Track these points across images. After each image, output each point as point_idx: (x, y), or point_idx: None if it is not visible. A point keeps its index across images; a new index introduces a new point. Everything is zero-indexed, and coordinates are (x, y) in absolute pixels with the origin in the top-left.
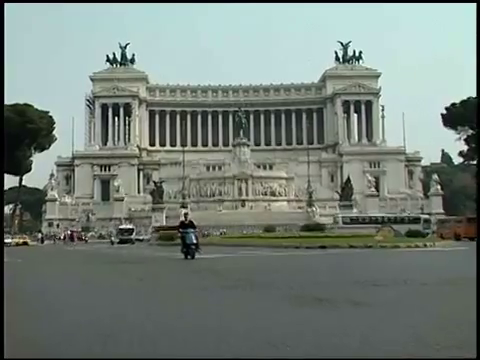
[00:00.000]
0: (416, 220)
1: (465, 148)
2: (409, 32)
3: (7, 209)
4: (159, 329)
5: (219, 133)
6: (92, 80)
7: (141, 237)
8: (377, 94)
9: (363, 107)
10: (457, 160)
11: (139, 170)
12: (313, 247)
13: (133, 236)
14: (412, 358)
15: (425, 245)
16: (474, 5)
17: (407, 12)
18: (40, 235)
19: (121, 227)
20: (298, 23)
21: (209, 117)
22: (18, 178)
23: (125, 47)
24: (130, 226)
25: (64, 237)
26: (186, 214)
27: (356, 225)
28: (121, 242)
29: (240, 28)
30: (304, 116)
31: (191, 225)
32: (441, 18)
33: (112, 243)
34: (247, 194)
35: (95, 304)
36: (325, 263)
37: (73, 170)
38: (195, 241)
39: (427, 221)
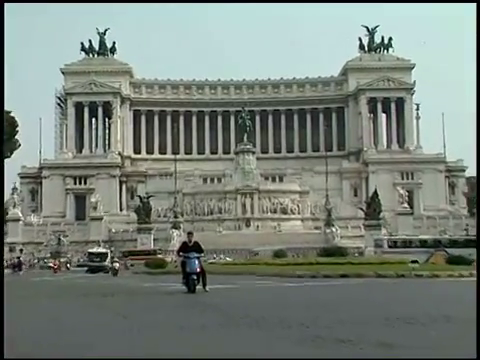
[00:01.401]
0: (470, 242)
1: None
2: (447, 14)
3: None
4: None
5: (218, 138)
6: (64, 73)
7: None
8: (411, 90)
9: (393, 106)
10: None
11: (121, 183)
12: (333, 276)
13: (107, 262)
14: (413, 358)
15: (471, 274)
16: (474, 5)
17: None
18: None
19: (91, 251)
20: (313, 4)
21: (206, 119)
22: None
23: (104, 33)
24: (102, 249)
25: (13, 265)
26: (190, 234)
27: (403, 249)
28: (91, 270)
29: (243, 12)
30: (321, 117)
31: (196, 248)
32: None
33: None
34: (252, 212)
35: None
36: (347, 296)
37: (40, 183)
38: (198, 269)
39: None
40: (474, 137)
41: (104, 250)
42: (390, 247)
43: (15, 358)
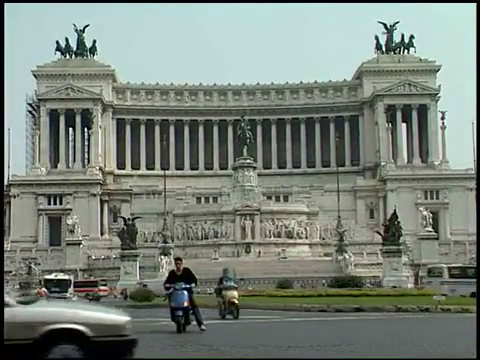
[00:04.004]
0: None
1: None
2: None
3: None
4: None
5: (214, 151)
6: (36, 76)
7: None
8: (435, 96)
9: (415, 114)
10: None
11: (103, 202)
12: (346, 310)
13: (70, 293)
14: (414, 358)
15: None
16: (474, 5)
17: None
18: None
19: (48, 278)
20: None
21: (200, 129)
22: None
23: (83, 31)
24: (64, 276)
25: None
26: (178, 260)
27: (464, 279)
28: None
29: (241, 8)
30: (332, 127)
31: (186, 277)
32: None
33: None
34: (253, 236)
35: None
36: (363, 334)
37: (9, 203)
38: (186, 304)
39: None
40: None
41: (66, 277)
42: (454, 276)
43: None
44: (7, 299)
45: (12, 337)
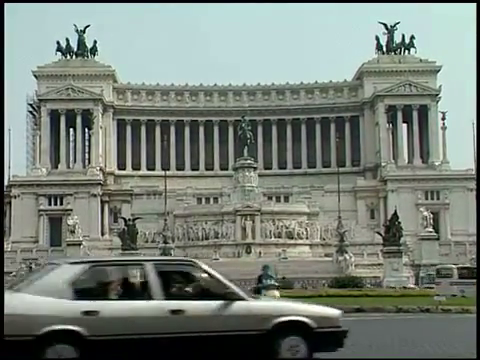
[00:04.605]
0: None
1: None
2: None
3: None
4: None
5: (215, 152)
6: (36, 77)
7: None
8: (436, 96)
9: (415, 114)
10: None
11: (103, 203)
12: (346, 310)
13: None
14: (413, 358)
15: None
16: (474, 5)
17: None
18: None
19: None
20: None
21: (201, 130)
22: None
23: (83, 32)
24: None
25: None
26: None
27: (473, 280)
28: None
29: (241, 9)
30: (333, 128)
31: None
32: None
33: None
34: (254, 236)
35: None
36: (363, 334)
37: (10, 203)
38: None
39: None
40: None
41: None
42: (464, 277)
43: None
44: (242, 294)
45: (248, 328)
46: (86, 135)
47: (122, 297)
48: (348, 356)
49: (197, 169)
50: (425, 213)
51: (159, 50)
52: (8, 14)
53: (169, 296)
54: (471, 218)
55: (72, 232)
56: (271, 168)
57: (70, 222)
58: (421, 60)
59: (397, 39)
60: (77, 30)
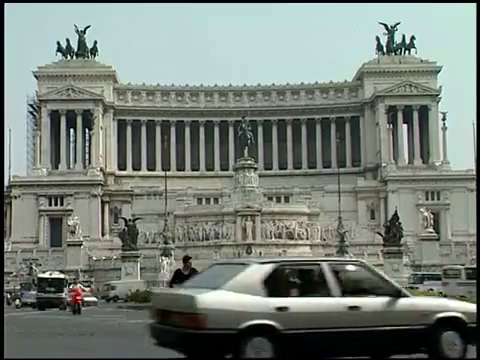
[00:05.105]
0: None
1: None
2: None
3: None
4: None
5: (215, 152)
6: (37, 77)
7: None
8: (436, 96)
9: (416, 115)
10: None
11: (104, 203)
12: None
13: (65, 294)
14: (414, 358)
15: None
16: (474, 5)
17: None
18: None
19: (42, 276)
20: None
21: (201, 130)
22: None
23: (84, 32)
24: (59, 275)
25: None
26: (187, 260)
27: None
28: (40, 305)
29: (242, 10)
30: (333, 128)
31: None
32: None
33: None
34: (254, 237)
35: None
36: None
37: (10, 204)
38: None
39: None
40: None
41: (61, 276)
42: (471, 278)
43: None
44: (405, 291)
45: (414, 322)
46: (86, 135)
47: (304, 294)
48: (348, 357)
49: (197, 169)
50: (425, 213)
51: (159, 50)
52: (8, 14)
53: (344, 293)
54: (471, 218)
55: (72, 232)
56: (271, 168)
57: (70, 222)
58: (421, 60)
59: (397, 39)
60: (77, 30)
